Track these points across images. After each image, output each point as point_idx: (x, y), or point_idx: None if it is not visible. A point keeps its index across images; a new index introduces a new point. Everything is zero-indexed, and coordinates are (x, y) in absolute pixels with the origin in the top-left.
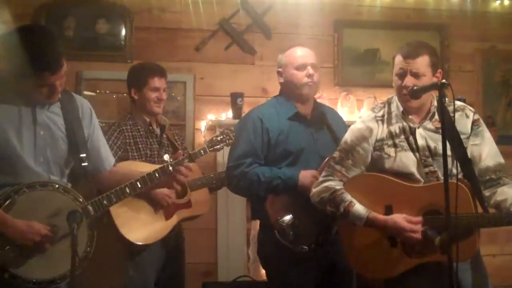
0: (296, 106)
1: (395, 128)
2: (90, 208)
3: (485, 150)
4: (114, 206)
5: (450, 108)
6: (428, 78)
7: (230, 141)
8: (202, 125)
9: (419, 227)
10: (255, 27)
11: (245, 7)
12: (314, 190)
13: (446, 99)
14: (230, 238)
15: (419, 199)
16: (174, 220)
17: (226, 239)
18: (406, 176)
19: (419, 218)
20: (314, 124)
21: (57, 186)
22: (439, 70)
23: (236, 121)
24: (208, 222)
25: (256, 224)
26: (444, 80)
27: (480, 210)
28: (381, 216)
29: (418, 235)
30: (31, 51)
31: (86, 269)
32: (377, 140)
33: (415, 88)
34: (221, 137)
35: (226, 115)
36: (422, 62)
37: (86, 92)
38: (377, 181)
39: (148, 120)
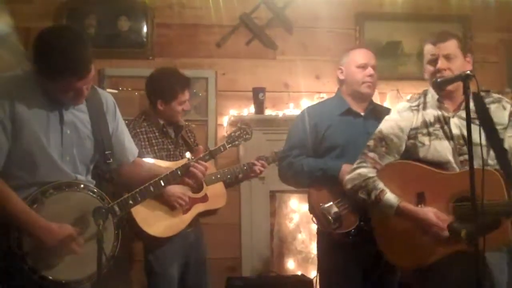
0: (350, 103)
1: (430, 117)
2: (116, 208)
3: None
4: None
5: (487, 100)
6: (459, 60)
7: (248, 136)
8: (225, 120)
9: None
10: (276, 21)
11: (266, 1)
12: (347, 177)
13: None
14: (254, 233)
15: (450, 186)
16: (191, 214)
17: (250, 234)
18: (441, 164)
19: (448, 217)
20: (368, 120)
21: (82, 186)
22: (469, 54)
23: (258, 116)
24: (232, 218)
25: (280, 218)
26: (469, 72)
27: None
28: (412, 207)
29: (445, 233)
30: (59, 55)
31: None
32: (411, 129)
33: (439, 80)
34: (239, 132)
35: (248, 110)
36: (452, 45)
37: (108, 90)
38: (409, 169)
39: (162, 122)
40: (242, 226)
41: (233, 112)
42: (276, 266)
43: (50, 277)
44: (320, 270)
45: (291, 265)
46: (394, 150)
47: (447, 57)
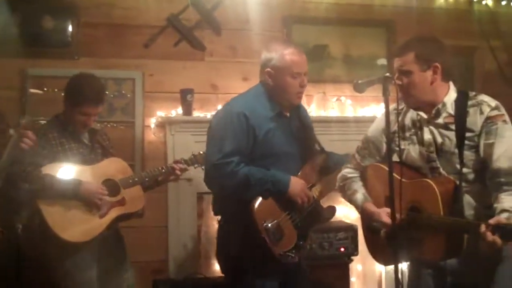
0: (279, 106)
1: (408, 121)
2: None
3: (499, 150)
4: (46, 206)
5: (469, 103)
6: (415, 75)
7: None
8: (152, 122)
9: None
10: (204, 23)
11: (194, 2)
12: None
13: (474, 93)
14: (181, 235)
15: (406, 194)
16: (108, 218)
17: (177, 236)
18: (416, 169)
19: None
20: (293, 120)
21: None
22: (435, 64)
23: (186, 117)
24: (159, 220)
25: (207, 220)
26: (388, 74)
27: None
28: (371, 207)
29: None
30: None
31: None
32: (390, 132)
33: (359, 82)
34: None
35: (176, 111)
36: (407, 59)
37: (32, 90)
38: (381, 173)
39: (72, 127)
40: (169, 228)
41: (161, 114)
42: (204, 268)
43: None
44: (231, 275)
45: (218, 267)
46: (374, 152)
47: (402, 72)
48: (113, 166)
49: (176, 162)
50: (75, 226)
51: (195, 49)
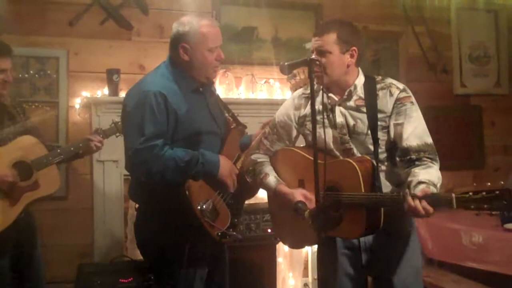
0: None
1: (318, 105)
2: None
3: (408, 129)
4: None
5: (378, 86)
6: (335, 56)
7: None
8: (77, 102)
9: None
10: (131, 1)
11: None
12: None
13: (381, 77)
14: (107, 218)
15: (323, 175)
16: (20, 205)
17: (103, 219)
18: (328, 152)
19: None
20: (206, 94)
21: None
22: (353, 48)
23: (112, 98)
24: (84, 202)
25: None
26: (313, 56)
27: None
28: (286, 189)
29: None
30: None
31: None
32: (300, 117)
33: (286, 64)
34: None
35: (102, 92)
36: (328, 40)
37: None
38: (293, 156)
39: None
40: (95, 210)
41: (86, 94)
42: (130, 252)
43: None
44: (162, 264)
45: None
46: (284, 137)
47: (320, 53)
48: (25, 146)
49: (93, 134)
50: None
51: (122, 28)
